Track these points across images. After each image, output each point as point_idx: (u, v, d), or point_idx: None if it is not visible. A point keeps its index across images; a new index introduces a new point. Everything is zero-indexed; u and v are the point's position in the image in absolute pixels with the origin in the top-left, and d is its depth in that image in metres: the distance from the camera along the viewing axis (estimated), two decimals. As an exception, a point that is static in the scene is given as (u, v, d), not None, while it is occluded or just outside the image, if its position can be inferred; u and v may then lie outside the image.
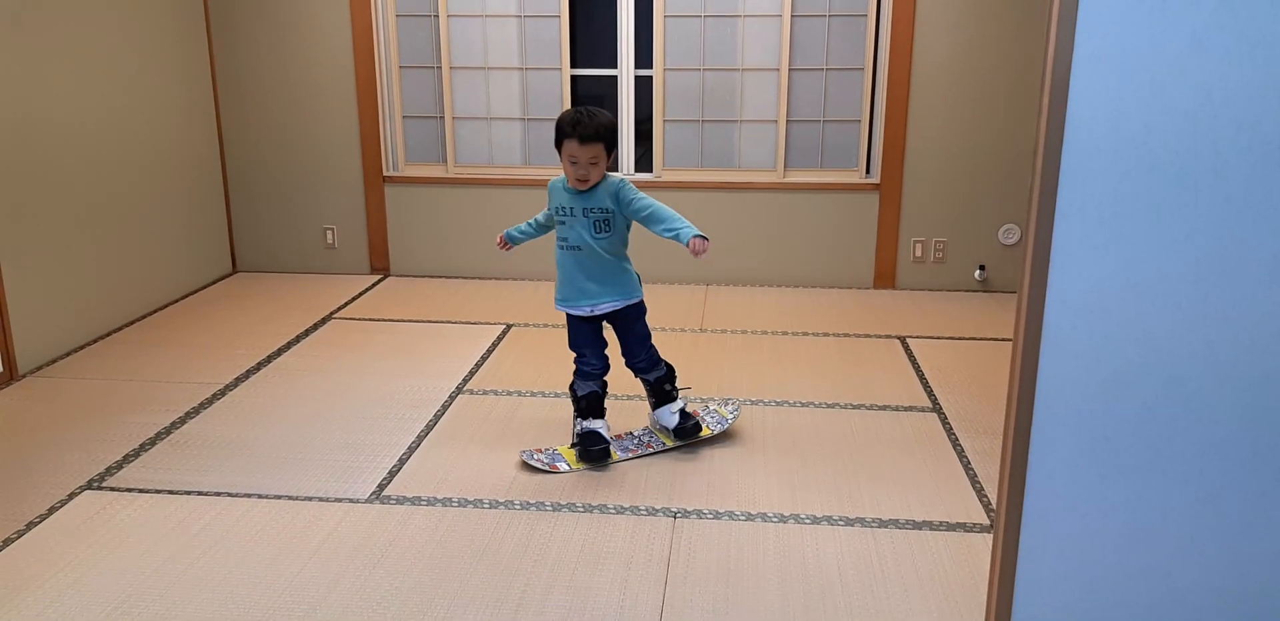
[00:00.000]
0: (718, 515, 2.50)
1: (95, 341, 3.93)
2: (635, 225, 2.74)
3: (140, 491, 2.67)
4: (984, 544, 2.34)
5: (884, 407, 3.23)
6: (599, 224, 2.67)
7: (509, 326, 4.14)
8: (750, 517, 2.49)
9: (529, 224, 2.93)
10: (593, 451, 2.75)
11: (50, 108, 3.70)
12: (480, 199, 4.85)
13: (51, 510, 2.56)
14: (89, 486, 2.70)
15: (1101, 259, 1.50)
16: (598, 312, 2.77)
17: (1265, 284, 1.48)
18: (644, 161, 4.81)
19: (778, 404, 3.26)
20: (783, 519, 2.49)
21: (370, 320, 4.25)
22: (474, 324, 4.18)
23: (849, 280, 4.70)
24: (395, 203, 4.92)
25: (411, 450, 2.92)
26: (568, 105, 4.68)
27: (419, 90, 4.80)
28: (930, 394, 3.34)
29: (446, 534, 2.42)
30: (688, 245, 2.55)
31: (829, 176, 4.64)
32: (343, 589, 2.19)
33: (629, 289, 2.77)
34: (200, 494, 2.65)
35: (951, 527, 2.44)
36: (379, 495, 2.64)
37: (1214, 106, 1.42)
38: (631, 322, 2.81)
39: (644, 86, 4.66)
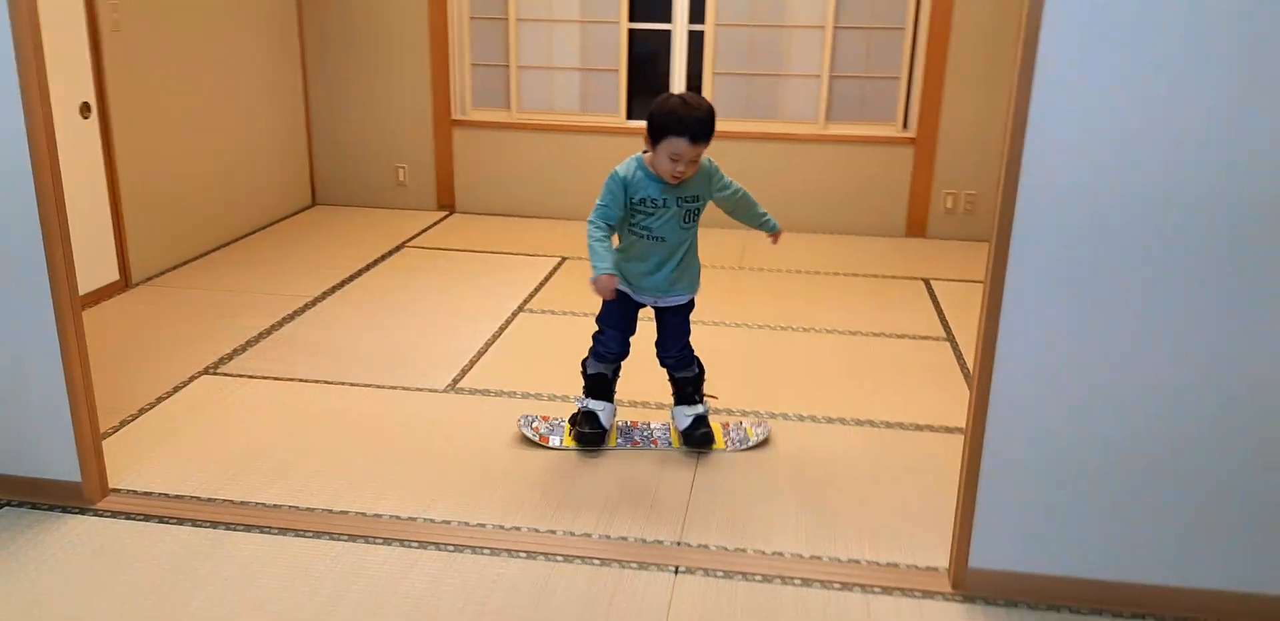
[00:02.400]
0: (745, 413, 2.88)
1: (196, 258, 4.39)
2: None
3: (249, 377, 3.12)
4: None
5: (903, 336, 3.58)
6: (690, 213, 2.47)
7: (564, 259, 4.53)
8: (773, 416, 2.87)
9: (605, 241, 2.45)
10: (585, 434, 2.61)
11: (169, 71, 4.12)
12: (540, 143, 5.21)
13: (176, 389, 3.02)
14: (205, 372, 3.15)
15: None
16: (661, 305, 2.58)
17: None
18: (695, 112, 5.13)
19: (804, 330, 3.62)
20: (801, 418, 2.87)
21: (439, 249, 4.66)
22: (533, 256, 4.57)
23: (882, 228, 5.01)
24: (462, 144, 5.29)
25: (480, 354, 3.34)
26: (624, 56, 5.00)
27: (487, 40, 5.15)
28: (946, 326, 3.68)
29: (507, 418, 2.83)
30: (772, 234, 2.61)
31: (868, 129, 4.93)
32: (426, 459, 2.61)
33: (694, 283, 2.58)
34: (301, 380, 3.09)
35: (949, 431, 2.80)
36: (454, 387, 3.07)
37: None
38: (678, 315, 2.60)
39: (695, 40, 4.97)
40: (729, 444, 2.66)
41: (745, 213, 2.60)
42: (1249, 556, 1.96)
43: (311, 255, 4.49)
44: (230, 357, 3.27)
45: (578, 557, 2.15)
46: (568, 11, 5.02)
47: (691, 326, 2.62)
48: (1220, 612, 1.98)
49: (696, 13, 4.92)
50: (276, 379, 3.11)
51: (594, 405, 2.63)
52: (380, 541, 2.20)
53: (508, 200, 5.33)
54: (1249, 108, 1.72)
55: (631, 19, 4.97)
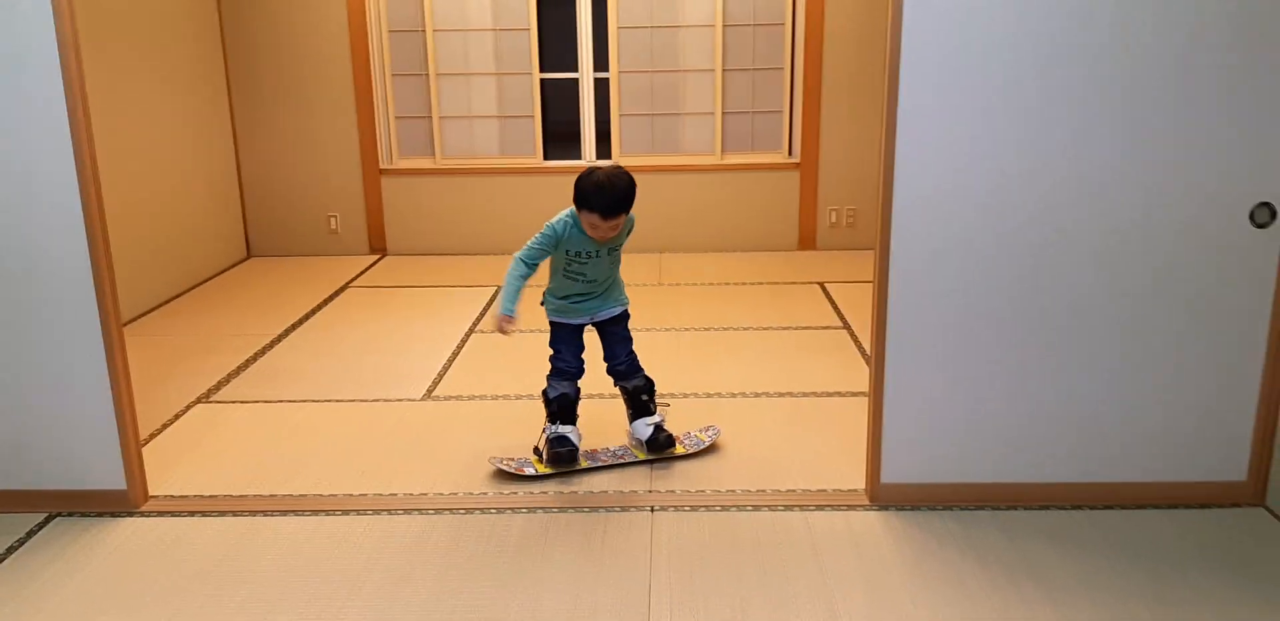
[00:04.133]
0: (686, 395, 3.39)
1: (149, 313, 4.67)
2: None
3: (242, 402, 3.47)
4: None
5: (805, 327, 4.17)
6: (614, 252, 2.76)
7: (498, 287, 4.98)
8: (710, 396, 3.39)
9: (516, 289, 2.73)
10: (560, 453, 2.74)
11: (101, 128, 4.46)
12: (464, 186, 5.69)
13: (177, 416, 3.36)
14: (199, 401, 3.49)
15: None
16: (599, 319, 2.85)
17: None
18: (603, 149, 5.70)
19: (722, 330, 4.17)
20: (734, 395, 3.41)
21: (381, 287, 5.07)
22: (470, 287, 5.02)
23: (777, 244, 5.65)
24: (390, 191, 5.73)
25: (445, 368, 3.77)
26: (538, 104, 5.56)
27: (409, 94, 5.63)
28: (841, 317, 4.30)
29: (489, 415, 3.28)
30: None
31: (758, 158, 5.60)
32: (416, 454, 3.03)
33: (621, 297, 2.86)
34: (291, 401, 3.47)
35: (854, 395, 3.37)
36: (429, 396, 3.49)
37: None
38: (616, 325, 2.86)
39: (602, 86, 5.56)
40: (686, 447, 2.90)
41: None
42: (1087, 454, 2.56)
43: (261, 300, 4.83)
44: (218, 388, 3.62)
45: (570, 508, 2.61)
46: (484, 65, 5.55)
47: (631, 336, 2.90)
48: (1073, 499, 2.58)
49: (600, 62, 5.52)
50: (268, 401, 3.47)
51: (563, 429, 2.79)
52: (401, 512, 2.62)
53: (437, 241, 5.77)
54: (1089, 132, 2.36)
55: (542, 70, 5.54)
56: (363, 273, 5.38)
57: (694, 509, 2.59)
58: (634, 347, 2.90)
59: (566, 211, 2.70)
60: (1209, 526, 2.48)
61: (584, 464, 2.82)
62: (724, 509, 2.58)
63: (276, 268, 5.55)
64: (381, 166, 5.68)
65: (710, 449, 2.94)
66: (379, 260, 5.67)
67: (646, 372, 2.93)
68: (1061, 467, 2.58)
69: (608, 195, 2.55)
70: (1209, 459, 2.58)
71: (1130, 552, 2.36)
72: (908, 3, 2.31)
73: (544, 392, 2.85)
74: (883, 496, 2.59)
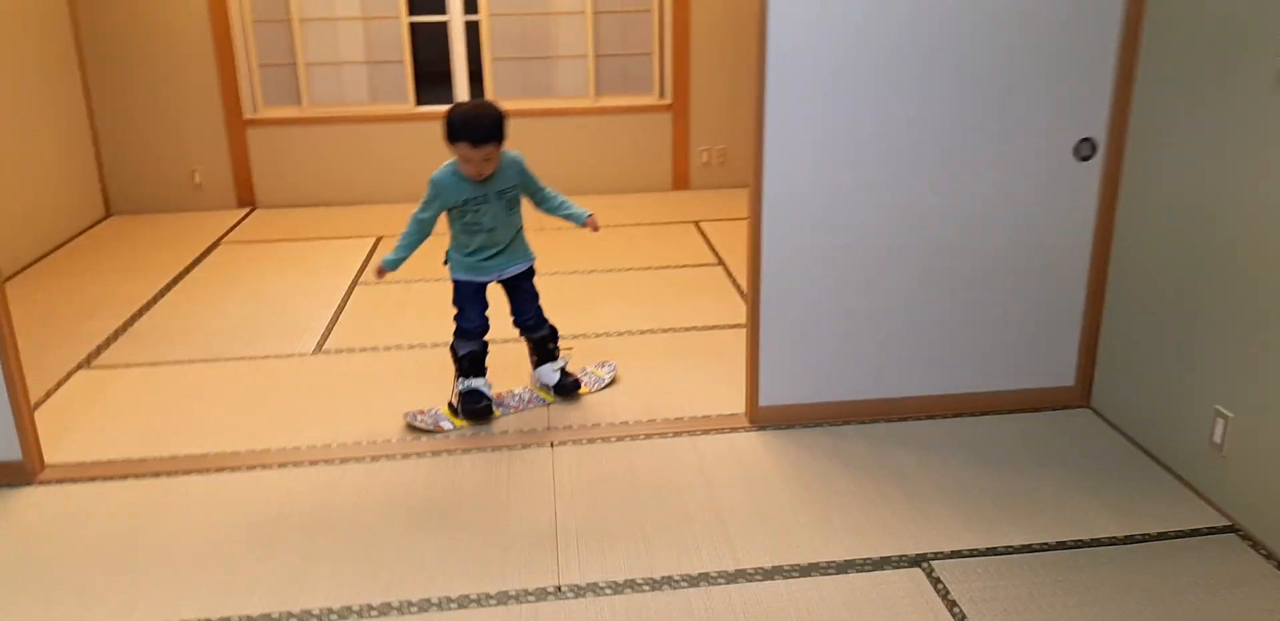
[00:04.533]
0: (575, 336, 3.54)
1: (10, 279, 4.48)
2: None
3: (125, 366, 3.44)
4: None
5: (683, 266, 4.37)
6: (510, 202, 2.75)
7: (380, 237, 4.99)
8: (588, 336, 3.55)
9: (407, 244, 2.77)
10: (476, 409, 2.82)
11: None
12: (334, 135, 5.59)
13: (59, 384, 3.30)
14: (80, 367, 3.43)
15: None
16: (503, 278, 2.86)
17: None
18: (476, 93, 5.67)
19: (605, 272, 4.32)
20: (620, 333, 3.58)
21: (256, 242, 4.98)
22: (348, 238, 4.99)
23: (653, 185, 5.80)
24: (256, 142, 5.57)
25: (333, 322, 3.80)
26: (408, 48, 5.47)
27: (272, 40, 5.45)
28: (716, 255, 4.51)
29: (382, 366, 3.35)
30: (584, 224, 2.83)
31: (631, 100, 5.68)
32: (309, 411, 3.10)
33: (528, 252, 2.88)
34: (176, 362, 3.45)
35: (732, 327, 3.59)
36: (320, 349, 3.53)
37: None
38: (523, 282, 2.89)
39: (472, 30, 5.50)
40: (590, 387, 3.04)
41: (557, 211, 2.87)
42: (937, 370, 2.85)
43: (129, 260, 4.69)
44: (99, 353, 3.56)
45: (474, 448, 2.75)
46: (349, 9, 5.41)
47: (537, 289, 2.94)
48: (926, 411, 2.88)
49: (470, 5, 5.45)
50: (154, 364, 3.44)
51: (475, 383, 2.86)
52: (308, 464, 2.70)
53: (309, 192, 5.67)
54: (935, 79, 2.55)
55: (410, 13, 5.44)
56: (233, 228, 5.26)
57: (591, 441, 2.77)
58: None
59: (446, 163, 2.74)
60: (1044, 427, 2.82)
61: (497, 413, 2.91)
62: (619, 439, 2.77)
63: (139, 225, 5.36)
64: (246, 116, 5.50)
65: (608, 384, 3.11)
66: (249, 214, 5.54)
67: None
68: (916, 383, 2.87)
69: (474, 123, 2.57)
70: (1041, 368, 2.92)
71: (977, 454, 2.67)
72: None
73: (452, 348, 2.89)
74: (761, 418, 2.83)
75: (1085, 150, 2.72)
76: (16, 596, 2.16)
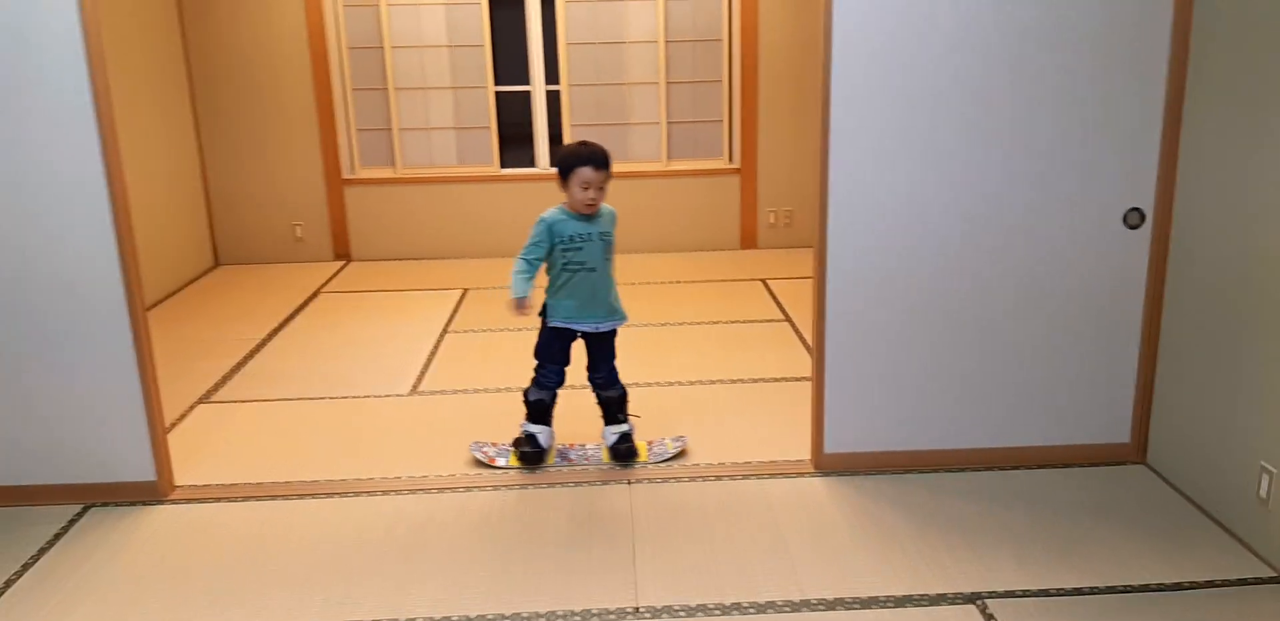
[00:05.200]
0: (646, 384, 3.78)
1: (136, 317, 4.90)
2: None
3: (241, 401, 3.77)
4: (818, 387, 3.71)
5: (751, 321, 4.60)
6: (608, 245, 2.95)
7: (466, 289, 5.33)
8: (660, 385, 3.79)
9: (525, 277, 2.93)
10: (527, 453, 3.03)
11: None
12: (424, 194, 6.00)
13: (182, 417, 3.63)
14: (200, 402, 3.77)
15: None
16: (602, 330, 3.01)
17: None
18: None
19: (676, 325, 4.57)
20: (691, 383, 3.81)
21: (352, 292, 5.36)
22: (437, 290, 5.34)
23: (721, 244, 6.08)
24: (353, 200, 6.01)
25: (426, 366, 4.10)
26: (493, 114, 5.89)
27: (369, 107, 5.92)
28: (784, 311, 4.74)
29: (474, 406, 3.62)
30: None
31: (701, 164, 6.01)
32: (409, 446, 3.37)
33: (622, 312, 3.05)
34: (286, 400, 3.77)
35: (798, 380, 3.79)
36: (415, 390, 3.83)
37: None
38: (607, 341, 3.06)
39: (554, 99, 5.91)
40: (652, 457, 3.10)
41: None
42: (996, 423, 3.02)
43: (237, 307, 5.08)
44: (216, 389, 3.90)
45: (559, 483, 2.98)
46: (440, 79, 5.86)
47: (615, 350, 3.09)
48: (985, 462, 3.03)
49: (551, 75, 5.87)
50: (266, 400, 3.77)
51: (533, 428, 3.05)
52: (406, 492, 2.96)
53: (400, 247, 6.07)
54: (990, 149, 2.79)
55: (496, 83, 5.87)
56: (331, 279, 5.65)
57: (665, 480, 2.98)
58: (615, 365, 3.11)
59: (553, 208, 2.95)
60: (1099, 482, 2.96)
61: (552, 461, 3.10)
62: (691, 480, 2.98)
63: (245, 275, 5.79)
64: (344, 176, 5.95)
65: (671, 430, 3.33)
66: (345, 266, 5.95)
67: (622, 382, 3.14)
68: (975, 435, 3.04)
69: (591, 149, 2.87)
70: (1097, 425, 3.06)
71: (1034, 505, 2.82)
72: (836, 31, 2.72)
73: (525, 392, 3.10)
74: (825, 464, 3.02)
75: (1134, 219, 2.91)
76: (153, 597, 2.43)
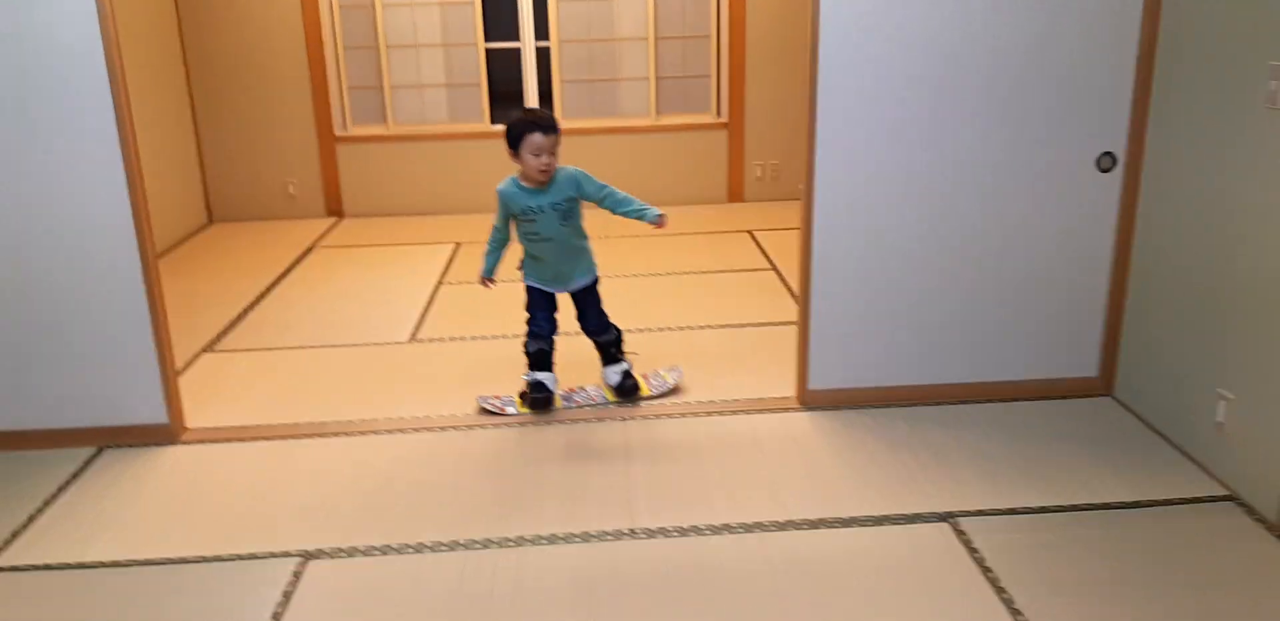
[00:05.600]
0: (641, 330, 3.91)
1: (136, 272, 4.99)
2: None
3: (245, 350, 3.89)
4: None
5: (738, 271, 4.73)
6: (565, 214, 3.00)
7: (458, 243, 5.43)
8: (653, 330, 3.92)
9: (491, 250, 3.13)
10: (536, 398, 3.13)
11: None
12: (416, 151, 6.07)
13: (187, 366, 3.75)
14: (205, 350, 3.89)
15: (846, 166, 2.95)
16: (573, 289, 3.13)
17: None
18: (546, 114, 6.12)
19: (665, 275, 4.70)
20: (681, 328, 3.95)
21: (347, 247, 5.45)
22: (430, 244, 5.44)
23: (710, 197, 6.18)
24: (345, 157, 6.07)
25: (423, 316, 4.22)
26: (484, 72, 5.94)
27: (361, 65, 5.95)
28: (770, 261, 4.86)
29: (471, 353, 3.76)
30: (654, 223, 3.07)
31: (690, 119, 6.08)
32: (412, 389, 3.50)
33: (592, 267, 3.14)
34: (289, 348, 3.89)
35: (784, 324, 3.93)
36: (414, 338, 3.95)
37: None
38: (589, 293, 3.16)
39: (543, 55, 5.96)
40: (652, 389, 3.25)
41: (623, 210, 3.10)
42: (971, 359, 3.17)
43: (234, 262, 5.17)
44: (219, 339, 4.02)
45: (556, 421, 3.13)
46: (431, 37, 5.90)
47: (601, 297, 3.18)
48: (960, 396, 3.19)
49: (541, 32, 5.91)
50: (268, 349, 3.89)
51: (539, 375, 3.16)
52: (411, 431, 3.10)
53: (392, 203, 6.14)
54: (973, 101, 2.90)
55: (487, 39, 5.91)
56: (325, 234, 5.74)
57: (658, 417, 3.13)
58: (603, 309, 3.21)
59: (506, 179, 3.03)
60: (1068, 412, 3.12)
61: (559, 404, 3.21)
62: (683, 416, 3.13)
63: (240, 231, 5.87)
64: (336, 134, 6.00)
65: (671, 389, 3.46)
66: (337, 223, 6.03)
67: (615, 324, 3.25)
68: (951, 371, 3.18)
69: (536, 114, 2.90)
70: (1067, 359, 3.21)
71: (1005, 434, 2.97)
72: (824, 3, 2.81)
73: (524, 344, 3.20)
74: (810, 400, 3.17)
75: (1106, 163, 3.03)
76: (171, 530, 2.58)
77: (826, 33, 2.85)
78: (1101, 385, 3.23)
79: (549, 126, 2.89)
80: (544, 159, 2.90)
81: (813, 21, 2.85)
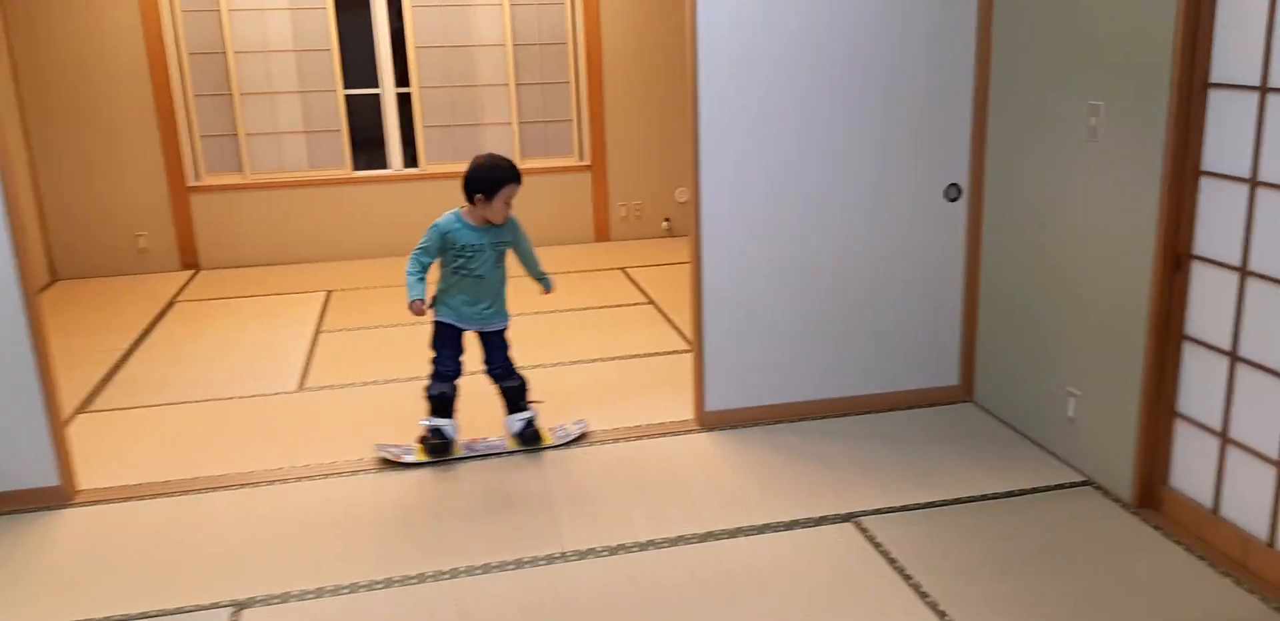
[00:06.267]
0: (533, 367, 4.02)
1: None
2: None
3: (121, 409, 3.73)
4: (688, 358, 4.05)
5: (618, 306, 4.92)
6: (500, 255, 3.11)
7: (330, 291, 5.37)
8: (548, 366, 4.04)
9: (418, 279, 3.06)
10: (435, 444, 3.11)
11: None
12: (275, 199, 5.97)
13: (64, 424, 3.56)
14: (79, 412, 3.71)
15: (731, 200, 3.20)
16: (486, 330, 3.18)
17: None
18: (409, 159, 6.16)
19: (550, 313, 4.83)
20: (574, 362, 4.08)
21: (210, 300, 5.29)
22: (299, 293, 5.35)
23: (577, 237, 6.37)
24: (200, 207, 5.90)
25: (307, 364, 4.17)
26: (345, 118, 5.94)
27: (213, 113, 5.84)
28: (646, 295, 5.08)
29: (360, 399, 3.75)
30: (546, 291, 3.32)
31: (554, 162, 6.28)
32: (311, 437, 3.47)
33: (506, 313, 3.22)
34: (170, 404, 3.76)
35: (671, 353, 4.13)
36: (303, 387, 3.90)
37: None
38: (498, 335, 3.21)
39: (403, 101, 6.03)
40: (556, 439, 3.25)
41: (531, 268, 3.29)
42: (847, 376, 3.46)
43: (89, 321, 4.92)
44: (91, 399, 3.84)
45: (471, 459, 3.18)
46: (287, 84, 5.86)
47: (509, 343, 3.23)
48: (841, 410, 3.46)
49: (401, 78, 5.98)
50: (147, 406, 3.75)
51: (439, 422, 3.13)
52: (320, 478, 3.08)
53: (252, 253, 6.00)
54: (835, 138, 3.19)
55: (346, 86, 5.92)
56: (183, 288, 5.54)
57: (569, 447, 3.24)
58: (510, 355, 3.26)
59: (449, 212, 3.09)
60: (937, 418, 3.44)
61: (459, 452, 3.17)
62: (591, 444, 3.26)
63: (87, 289, 5.58)
64: (189, 183, 5.84)
65: (563, 405, 3.59)
66: (195, 275, 5.83)
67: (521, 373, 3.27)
68: (830, 387, 3.46)
69: (511, 165, 3.04)
70: (932, 371, 3.55)
71: (886, 441, 3.26)
72: (701, 36, 3.06)
73: (426, 388, 3.16)
74: (708, 422, 3.37)
75: (953, 193, 3.41)
76: (90, 589, 2.48)
77: (705, 78, 3.09)
78: (963, 392, 3.58)
79: (520, 176, 3.05)
80: (507, 207, 3.05)
81: (691, 72, 3.09)
